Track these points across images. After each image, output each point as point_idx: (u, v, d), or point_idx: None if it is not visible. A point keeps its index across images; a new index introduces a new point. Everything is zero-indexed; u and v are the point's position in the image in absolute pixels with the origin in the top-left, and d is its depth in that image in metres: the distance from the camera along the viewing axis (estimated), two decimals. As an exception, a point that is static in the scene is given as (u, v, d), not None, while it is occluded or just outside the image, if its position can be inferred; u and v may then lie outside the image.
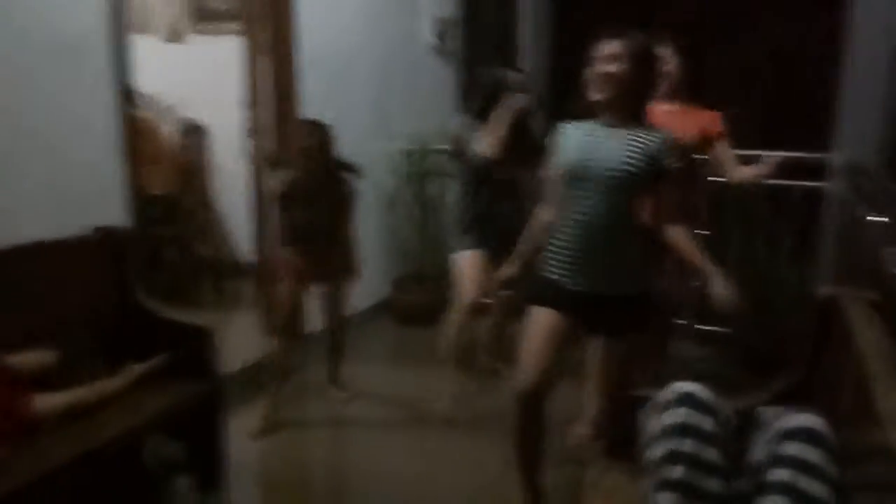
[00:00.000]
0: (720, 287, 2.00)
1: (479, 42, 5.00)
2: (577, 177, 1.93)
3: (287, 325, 2.82)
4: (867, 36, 3.15)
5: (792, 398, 1.53)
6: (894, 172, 2.99)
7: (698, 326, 3.57)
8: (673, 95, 2.63)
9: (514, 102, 2.64)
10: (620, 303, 1.98)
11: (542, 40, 5.02)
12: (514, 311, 3.09)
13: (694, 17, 5.49)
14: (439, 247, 4.02)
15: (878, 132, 3.15)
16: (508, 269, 2.25)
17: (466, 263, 2.84)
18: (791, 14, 5.14)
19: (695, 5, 5.52)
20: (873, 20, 3.12)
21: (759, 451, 1.30)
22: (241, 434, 2.56)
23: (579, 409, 2.63)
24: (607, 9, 3.59)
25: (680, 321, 3.59)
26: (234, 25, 3.81)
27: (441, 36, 4.38)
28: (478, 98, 2.83)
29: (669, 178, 1.94)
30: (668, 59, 2.61)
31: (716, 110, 2.76)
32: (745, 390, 1.74)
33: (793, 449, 1.22)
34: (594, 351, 2.32)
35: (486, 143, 2.66)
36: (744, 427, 1.42)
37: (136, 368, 2.10)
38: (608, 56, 1.88)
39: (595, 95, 1.91)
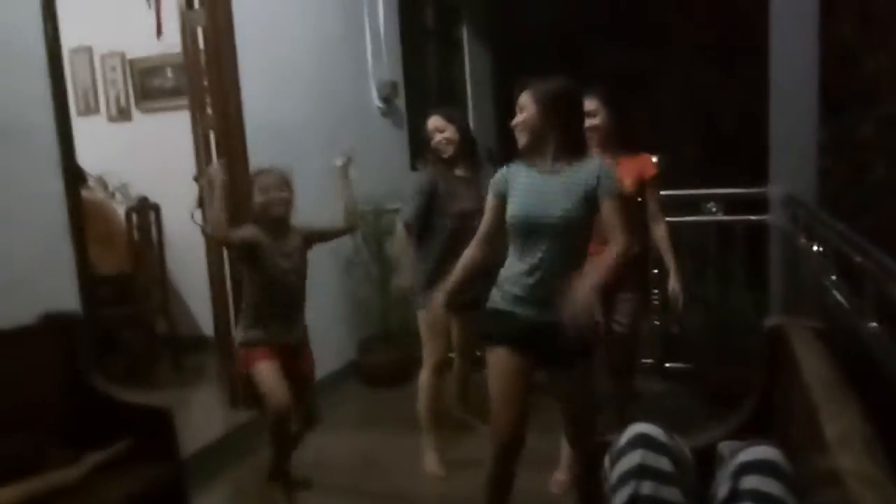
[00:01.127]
0: (675, 284, 2.57)
1: (424, 102, 5.14)
2: (522, 228, 2.00)
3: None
4: (789, 70, 3.33)
5: (751, 430, 1.56)
6: (829, 202, 3.14)
7: (666, 364, 3.63)
8: (604, 147, 2.67)
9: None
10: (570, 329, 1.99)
11: (485, 96, 5.19)
12: (472, 356, 3.15)
13: (619, 66, 5.77)
14: (401, 306, 4.03)
15: (812, 163, 3.31)
16: (441, 297, 2.25)
17: (430, 320, 2.84)
18: (711, 62, 5.44)
19: (619, 56, 5.81)
20: (793, 53, 3.30)
21: (721, 487, 1.32)
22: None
23: (556, 453, 2.65)
24: (541, 61, 3.73)
25: (646, 360, 3.66)
26: (179, 101, 3.85)
27: (387, 99, 4.49)
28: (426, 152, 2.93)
29: (619, 199, 1.99)
30: (596, 110, 2.69)
31: (648, 153, 2.86)
32: (707, 425, 1.77)
33: (752, 482, 1.25)
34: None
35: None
36: (705, 463, 1.44)
37: (94, 457, 2.04)
38: (519, 106, 2.03)
39: (519, 144, 2.05)
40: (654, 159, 2.82)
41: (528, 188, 2.01)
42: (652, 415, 1.54)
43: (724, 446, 1.45)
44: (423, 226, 2.83)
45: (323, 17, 4.02)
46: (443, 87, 5.55)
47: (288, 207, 2.44)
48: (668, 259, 2.75)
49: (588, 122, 2.63)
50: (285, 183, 2.44)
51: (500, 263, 2.13)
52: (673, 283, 2.71)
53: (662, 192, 3.50)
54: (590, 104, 2.67)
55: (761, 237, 3.45)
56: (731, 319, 3.34)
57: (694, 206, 3.55)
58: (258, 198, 2.39)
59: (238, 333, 2.47)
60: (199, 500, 2.40)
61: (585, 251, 2.05)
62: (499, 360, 2.02)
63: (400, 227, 2.93)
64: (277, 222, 2.42)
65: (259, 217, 2.41)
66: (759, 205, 3.43)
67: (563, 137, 2.03)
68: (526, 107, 2.01)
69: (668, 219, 3.51)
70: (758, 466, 1.26)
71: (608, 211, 1.96)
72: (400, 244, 3.01)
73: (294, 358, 2.48)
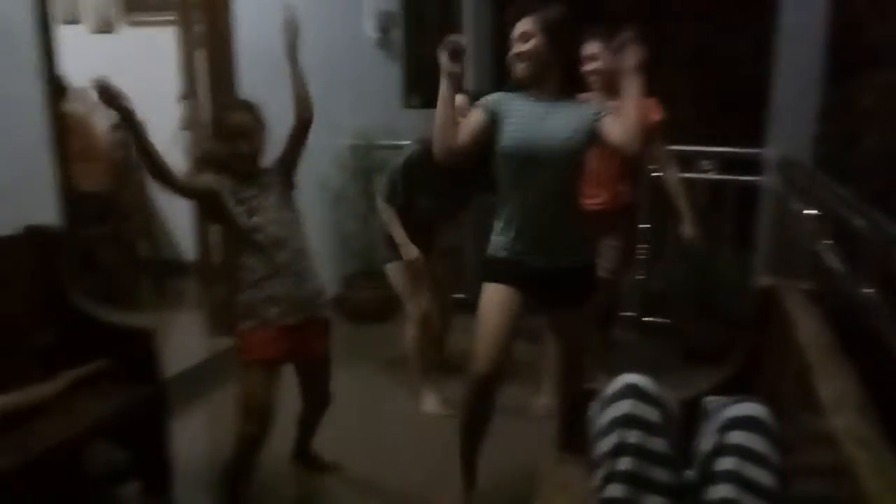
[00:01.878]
0: (689, 229, 2.61)
1: (421, 35, 4.98)
2: (520, 156, 1.95)
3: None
4: (796, 33, 3.27)
5: (736, 387, 1.57)
6: (825, 167, 3.13)
7: (644, 318, 3.67)
8: (607, 90, 2.58)
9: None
10: (573, 274, 2.04)
11: (484, 31, 5.03)
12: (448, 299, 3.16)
13: (625, 12, 5.62)
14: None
15: (810, 128, 3.29)
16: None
17: (405, 273, 2.81)
18: (719, 15, 5.33)
19: (617, 6, 5.66)
20: (801, 17, 3.24)
21: (705, 440, 1.34)
22: (187, 437, 2.48)
23: (537, 380, 2.69)
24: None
25: (625, 313, 3.69)
26: (167, 16, 3.69)
27: (383, 30, 4.34)
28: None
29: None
30: (599, 54, 2.65)
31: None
32: (690, 381, 1.79)
33: (737, 437, 1.26)
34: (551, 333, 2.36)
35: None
36: (690, 417, 1.46)
37: (72, 373, 2.01)
38: (521, 35, 1.94)
39: (517, 74, 1.97)
40: (656, 102, 2.73)
41: (528, 115, 1.96)
42: (627, 366, 1.54)
43: (710, 401, 1.47)
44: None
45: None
46: (442, 22, 5.38)
47: (257, 157, 2.08)
48: (680, 204, 2.79)
49: (591, 66, 2.66)
50: (255, 127, 2.07)
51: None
52: (687, 229, 2.76)
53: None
54: (592, 47, 2.65)
55: (753, 198, 3.44)
56: (715, 278, 3.37)
57: (688, 162, 3.52)
58: (223, 147, 2.05)
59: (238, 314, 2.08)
60: (178, 423, 2.39)
61: (578, 190, 2.04)
62: (495, 293, 2.00)
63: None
64: (246, 172, 2.07)
65: (223, 166, 2.05)
66: (754, 166, 3.41)
67: (567, 70, 1.99)
68: (532, 34, 1.93)
69: (660, 174, 3.51)
70: (745, 422, 1.28)
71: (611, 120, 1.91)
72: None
73: (303, 335, 2.09)
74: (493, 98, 2.02)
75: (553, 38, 1.92)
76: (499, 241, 2.03)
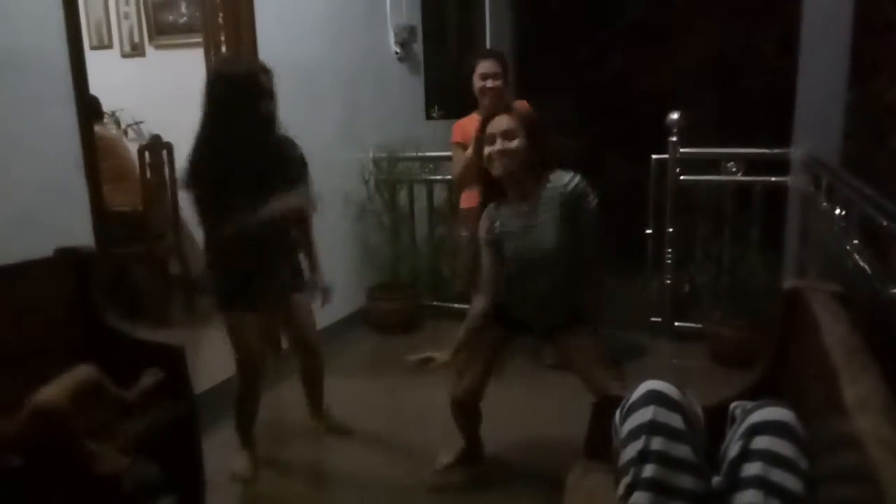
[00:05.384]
0: None
1: (441, 48, 5.02)
2: (513, 262, 2.15)
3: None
4: (821, 31, 3.23)
5: (763, 391, 1.55)
6: (853, 166, 3.07)
7: (675, 323, 3.63)
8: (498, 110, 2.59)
9: None
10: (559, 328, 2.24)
11: (505, 45, 5.06)
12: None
13: (644, 19, 5.60)
14: (410, 255, 4.03)
15: (836, 127, 3.23)
16: (444, 356, 2.23)
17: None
18: (743, 14, 5.28)
19: (645, 9, 5.64)
20: (826, 14, 3.20)
21: (731, 446, 1.32)
22: (219, 452, 2.52)
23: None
24: (564, 12, 3.64)
25: (655, 318, 3.66)
26: (194, 38, 3.78)
27: (404, 44, 4.39)
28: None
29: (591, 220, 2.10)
30: (497, 74, 2.96)
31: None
32: (720, 385, 1.77)
33: (764, 442, 1.25)
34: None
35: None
36: (717, 423, 1.44)
37: (143, 383, 2.06)
38: (501, 132, 2.05)
39: (496, 171, 2.08)
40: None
41: (517, 231, 2.13)
42: (659, 373, 1.53)
43: (737, 406, 1.45)
44: None
45: (341, -45, 3.90)
46: (462, 35, 5.41)
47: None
48: None
49: (485, 84, 2.99)
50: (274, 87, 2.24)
51: None
52: None
53: (683, 150, 3.46)
54: (487, 65, 2.97)
55: (780, 199, 3.39)
56: (745, 281, 3.32)
57: (714, 164, 3.49)
58: None
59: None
60: (210, 437, 2.44)
61: (575, 265, 2.15)
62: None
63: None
64: None
65: None
66: (780, 166, 3.36)
67: (543, 160, 2.10)
68: (513, 134, 2.05)
69: (686, 177, 3.49)
70: (770, 427, 1.26)
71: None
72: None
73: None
74: (487, 224, 2.18)
75: (532, 137, 2.06)
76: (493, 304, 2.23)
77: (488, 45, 5.42)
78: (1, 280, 2.04)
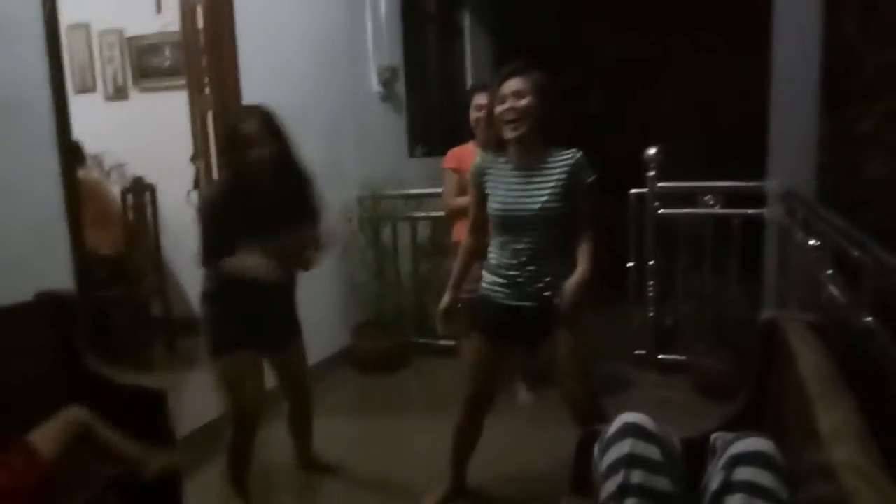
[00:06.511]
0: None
1: (423, 87, 5.11)
2: (505, 221, 2.14)
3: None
4: (791, 64, 3.33)
5: (744, 422, 1.56)
6: (829, 197, 3.14)
7: (658, 356, 3.65)
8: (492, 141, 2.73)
9: None
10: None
11: (486, 82, 5.14)
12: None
13: (622, 58, 5.75)
14: (394, 292, 4.03)
15: (810, 158, 3.31)
16: (446, 298, 2.32)
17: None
18: (715, 54, 5.43)
19: (622, 47, 5.79)
20: (796, 48, 3.30)
21: (713, 477, 1.33)
22: (200, 496, 2.48)
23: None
24: (544, 49, 3.73)
25: (639, 351, 3.68)
26: (177, 81, 3.82)
27: (386, 84, 4.46)
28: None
29: (589, 191, 2.11)
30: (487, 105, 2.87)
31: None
32: (704, 417, 1.78)
33: (745, 474, 1.25)
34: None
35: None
36: (697, 454, 1.45)
37: (162, 457, 2.04)
38: (513, 93, 2.06)
39: (505, 134, 2.10)
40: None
41: (508, 183, 2.13)
42: (644, 405, 1.55)
43: (717, 437, 1.46)
44: None
45: (323, -1, 3.99)
46: (443, 74, 5.52)
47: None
48: None
49: (478, 115, 2.95)
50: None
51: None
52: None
53: (661, 184, 3.53)
54: (482, 98, 2.82)
55: (758, 231, 3.45)
56: (726, 312, 3.35)
57: (691, 198, 3.55)
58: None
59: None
60: (192, 482, 2.40)
61: (564, 241, 2.14)
62: (475, 345, 2.26)
63: None
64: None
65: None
66: (757, 199, 3.43)
67: (550, 129, 2.11)
68: (524, 94, 2.05)
69: (665, 210, 3.55)
70: (751, 458, 1.27)
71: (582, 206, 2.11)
72: None
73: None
74: (475, 169, 2.20)
75: (543, 99, 2.06)
76: (488, 279, 2.22)
77: (469, 83, 5.53)
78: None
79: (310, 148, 3.75)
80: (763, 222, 3.41)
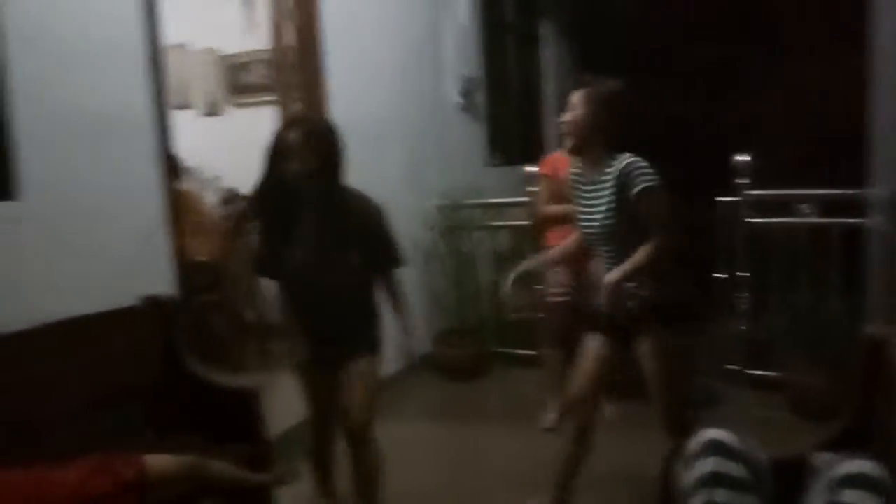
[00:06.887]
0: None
1: (503, 96, 5.12)
2: (584, 235, 2.20)
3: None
4: (894, 59, 3.13)
5: (846, 443, 1.48)
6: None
7: (749, 371, 3.50)
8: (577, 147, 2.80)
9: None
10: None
11: (566, 93, 5.10)
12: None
13: (709, 63, 5.55)
14: (476, 301, 4.05)
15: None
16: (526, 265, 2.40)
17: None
18: (805, 54, 5.17)
19: (709, 53, 5.60)
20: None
21: (815, 498, 1.27)
22: (291, 495, 2.54)
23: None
24: (626, 57, 3.67)
25: (729, 366, 3.53)
26: (268, 97, 3.99)
27: (466, 94, 4.50)
28: None
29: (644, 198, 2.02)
30: (577, 104, 2.83)
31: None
32: (798, 436, 1.70)
33: (851, 496, 1.19)
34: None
35: None
36: (793, 474, 1.38)
37: (270, 476, 2.13)
38: (571, 105, 2.11)
39: (564, 143, 2.18)
40: None
41: (580, 200, 2.17)
42: (735, 423, 1.49)
43: (819, 458, 1.39)
44: None
45: (405, 12, 4.08)
46: (522, 83, 5.52)
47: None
48: None
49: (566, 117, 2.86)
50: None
51: None
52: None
53: (753, 192, 3.39)
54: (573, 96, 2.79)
55: (859, 242, 3.26)
56: (824, 327, 3.18)
57: (785, 207, 3.40)
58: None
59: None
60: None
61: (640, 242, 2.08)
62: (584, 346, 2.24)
63: None
64: None
65: None
66: (858, 207, 3.24)
67: (612, 140, 2.09)
68: (576, 106, 2.09)
69: (758, 220, 3.40)
70: (858, 481, 1.21)
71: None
72: None
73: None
74: (569, 180, 2.24)
75: (597, 111, 2.05)
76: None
77: (548, 92, 5.50)
78: (93, 327, 2.17)
79: (392, 157, 3.87)
80: (865, 233, 3.22)
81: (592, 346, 2.21)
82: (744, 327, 3.50)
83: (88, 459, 1.74)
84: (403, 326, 2.27)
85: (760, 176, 3.41)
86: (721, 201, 3.51)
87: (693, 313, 2.20)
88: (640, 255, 2.02)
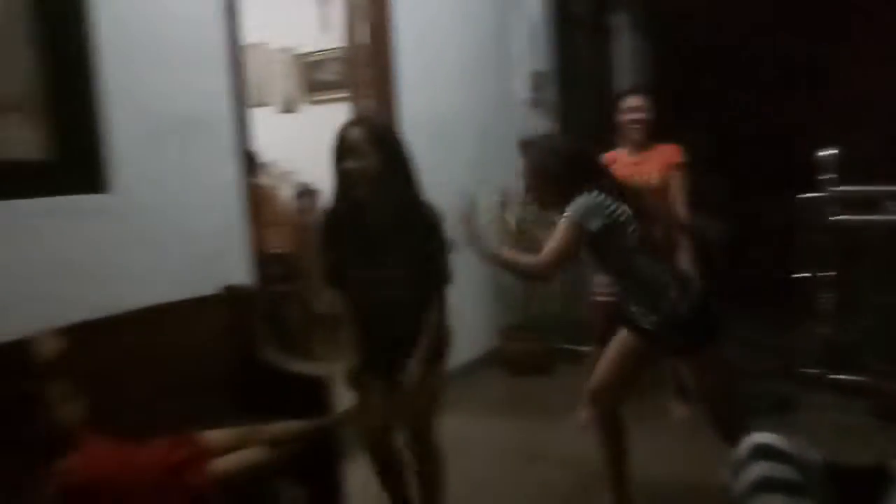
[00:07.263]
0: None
1: (574, 93, 5.05)
2: None
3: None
4: None
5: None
6: None
7: (831, 376, 3.35)
8: (644, 143, 3.09)
9: None
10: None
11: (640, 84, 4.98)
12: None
13: (790, 61, 5.31)
14: (542, 295, 4.03)
15: None
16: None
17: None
18: (889, 46, 4.87)
19: (790, 50, 5.35)
20: None
21: (895, 507, 1.21)
22: (359, 478, 2.57)
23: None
24: (704, 54, 3.57)
25: (809, 370, 3.39)
26: (342, 94, 4.09)
27: (536, 89, 4.47)
28: None
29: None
30: (643, 107, 3.07)
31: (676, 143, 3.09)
32: (882, 444, 1.63)
33: (932, 506, 1.14)
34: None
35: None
36: (876, 482, 1.33)
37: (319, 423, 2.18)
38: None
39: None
40: (679, 148, 3.09)
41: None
42: (815, 429, 1.44)
43: (899, 465, 1.33)
44: None
45: (476, 10, 4.09)
46: (593, 77, 5.42)
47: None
48: (683, 241, 2.99)
49: (631, 116, 3.12)
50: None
51: None
52: (683, 262, 2.93)
53: (837, 188, 3.24)
54: (634, 100, 3.12)
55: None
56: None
57: (871, 203, 3.23)
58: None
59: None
60: (351, 463, 2.49)
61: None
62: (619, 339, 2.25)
63: None
64: None
65: None
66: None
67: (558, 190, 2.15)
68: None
69: (843, 217, 3.25)
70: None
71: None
72: None
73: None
74: None
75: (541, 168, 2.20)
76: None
77: (622, 87, 5.38)
78: (175, 314, 2.29)
79: (460, 153, 3.89)
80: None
81: (622, 338, 2.22)
82: (826, 329, 3.35)
83: (167, 438, 1.89)
84: (418, 355, 2.04)
85: (844, 172, 3.26)
86: (799, 198, 3.37)
87: (715, 331, 2.10)
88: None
